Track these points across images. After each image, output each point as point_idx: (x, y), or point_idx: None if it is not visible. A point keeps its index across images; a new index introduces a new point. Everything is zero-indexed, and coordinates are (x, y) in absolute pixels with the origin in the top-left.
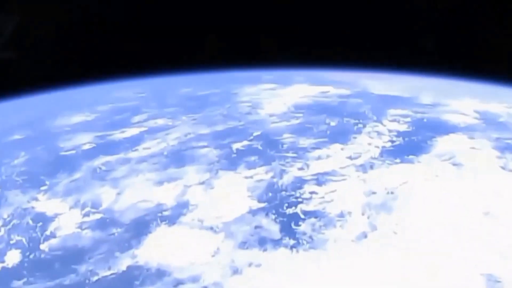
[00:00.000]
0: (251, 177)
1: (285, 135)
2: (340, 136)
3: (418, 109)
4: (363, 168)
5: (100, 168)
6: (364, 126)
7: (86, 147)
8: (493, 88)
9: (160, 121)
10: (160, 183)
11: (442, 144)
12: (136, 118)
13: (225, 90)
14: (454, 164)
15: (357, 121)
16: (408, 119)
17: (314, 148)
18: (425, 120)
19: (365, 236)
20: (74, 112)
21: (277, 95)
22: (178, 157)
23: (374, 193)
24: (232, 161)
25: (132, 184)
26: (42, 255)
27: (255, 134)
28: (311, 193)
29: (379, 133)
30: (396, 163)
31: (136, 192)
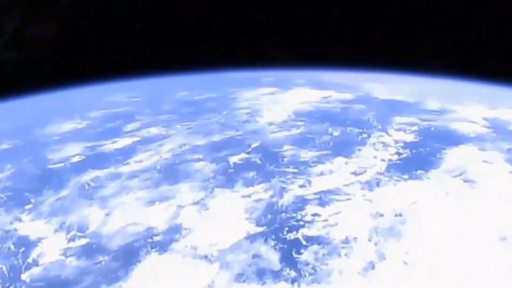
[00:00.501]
0: (249, 196)
1: (285, 147)
2: (344, 147)
3: (425, 116)
4: (369, 185)
5: (88, 185)
6: (369, 136)
7: (75, 159)
8: (498, 90)
9: (154, 130)
10: (151, 202)
11: (452, 157)
12: (129, 126)
13: (222, 95)
14: (466, 181)
15: (361, 130)
16: (415, 128)
17: (316, 162)
18: (432, 128)
19: (373, 267)
20: (65, 119)
21: (277, 100)
22: (172, 172)
23: (381, 215)
24: (229, 177)
25: (121, 204)
26: (23, 287)
27: (253, 145)
28: (314, 215)
29: (384, 144)
30: (404, 179)
31: (126, 214)
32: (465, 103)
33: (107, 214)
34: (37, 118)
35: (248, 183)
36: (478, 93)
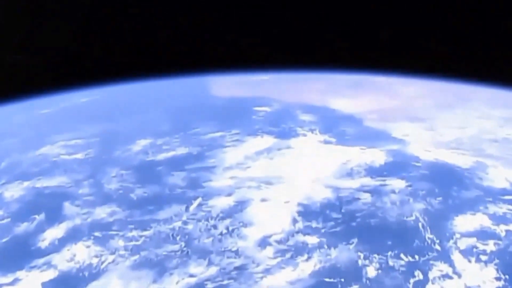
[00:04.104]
0: None
1: None
2: None
3: (496, 209)
4: None
5: None
6: (426, 276)
7: None
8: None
9: (80, 251)
10: None
11: None
12: (48, 235)
13: (198, 151)
14: None
15: (410, 258)
16: (491, 246)
17: None
18: None
19: None
20: None
21: (275, 171)
22: None
23: None
24: None
25: None
26: None
27: None
28: None
29: None
30: None
31: None
32: None
33: None
34: None
35: None
36: None
